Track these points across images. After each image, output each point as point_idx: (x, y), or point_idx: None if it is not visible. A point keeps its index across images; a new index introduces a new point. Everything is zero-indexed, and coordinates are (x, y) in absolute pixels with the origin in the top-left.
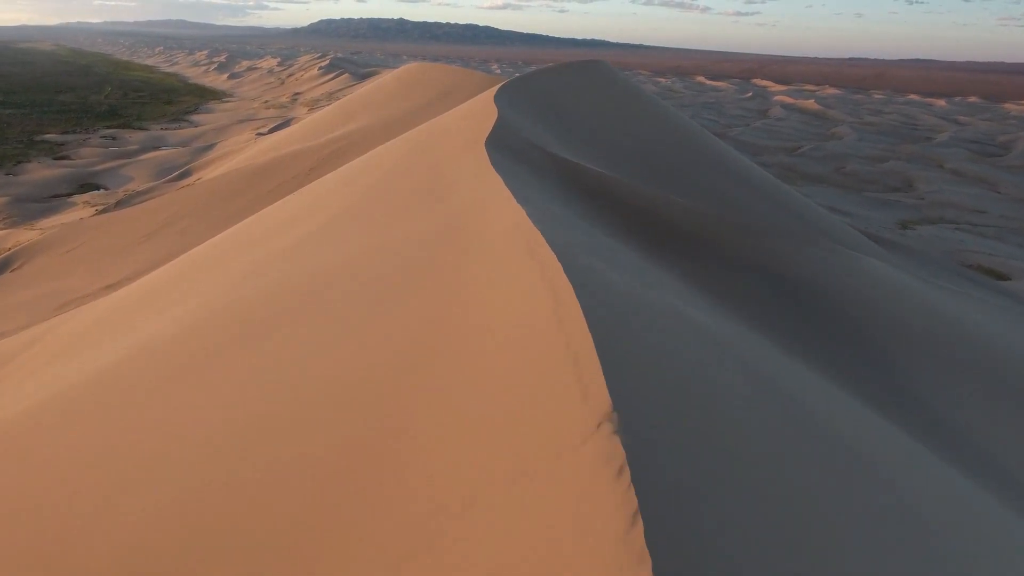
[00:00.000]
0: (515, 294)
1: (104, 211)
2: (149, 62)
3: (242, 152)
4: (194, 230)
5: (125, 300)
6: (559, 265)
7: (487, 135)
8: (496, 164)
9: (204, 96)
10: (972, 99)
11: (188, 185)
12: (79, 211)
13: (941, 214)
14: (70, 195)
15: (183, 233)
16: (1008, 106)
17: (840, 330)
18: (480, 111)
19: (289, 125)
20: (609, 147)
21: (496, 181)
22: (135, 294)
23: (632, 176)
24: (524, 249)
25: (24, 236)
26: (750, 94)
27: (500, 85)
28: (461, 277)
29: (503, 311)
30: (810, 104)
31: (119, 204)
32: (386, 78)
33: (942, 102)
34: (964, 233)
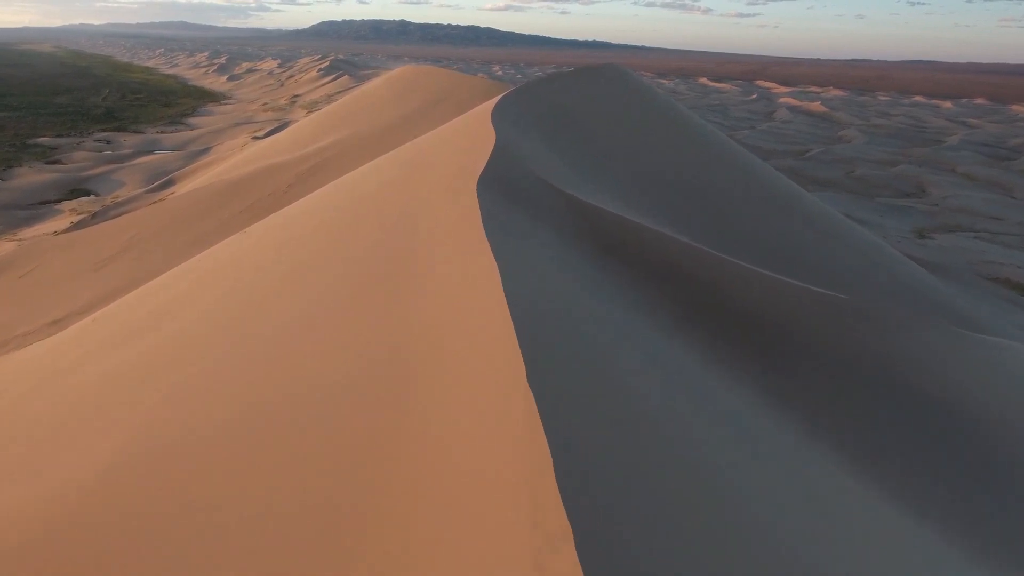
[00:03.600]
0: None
1: (78, 226)
2: (149, 64)
3: (225, 161)
4: (151, 258)
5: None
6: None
7: (480, 172)
8: (490, 226)
9: (203, 98)
10: (979, 101)
11: (160, 200)
12: (64, 219)
13: (957, 221)
14: (58, 201)
15: (138, 261)
16: (1016, 108)
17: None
18: (474, 132)
19: (286, 128)
20: (639, 177)
21: (488, 267)
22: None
23: (674, 215)
24: (513, 422)
25: (3, 248)
26: (755, 96)
27: (500, 97)
28: (420, 443)
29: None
30: (816, 106)
31: (96, 216)
32: (378, 82)
33: (948, 104)
34: (984, 243)
